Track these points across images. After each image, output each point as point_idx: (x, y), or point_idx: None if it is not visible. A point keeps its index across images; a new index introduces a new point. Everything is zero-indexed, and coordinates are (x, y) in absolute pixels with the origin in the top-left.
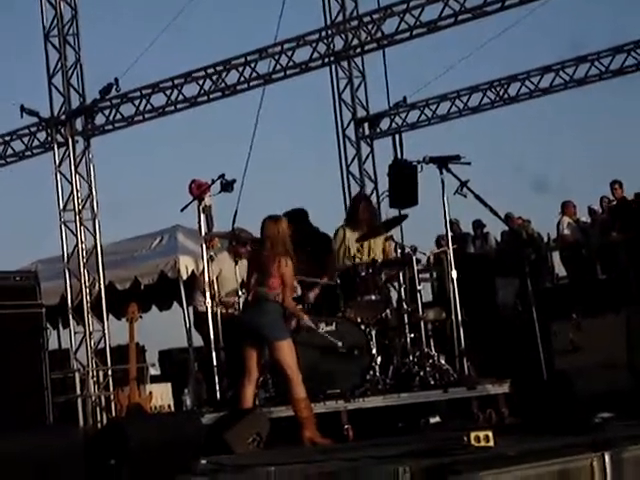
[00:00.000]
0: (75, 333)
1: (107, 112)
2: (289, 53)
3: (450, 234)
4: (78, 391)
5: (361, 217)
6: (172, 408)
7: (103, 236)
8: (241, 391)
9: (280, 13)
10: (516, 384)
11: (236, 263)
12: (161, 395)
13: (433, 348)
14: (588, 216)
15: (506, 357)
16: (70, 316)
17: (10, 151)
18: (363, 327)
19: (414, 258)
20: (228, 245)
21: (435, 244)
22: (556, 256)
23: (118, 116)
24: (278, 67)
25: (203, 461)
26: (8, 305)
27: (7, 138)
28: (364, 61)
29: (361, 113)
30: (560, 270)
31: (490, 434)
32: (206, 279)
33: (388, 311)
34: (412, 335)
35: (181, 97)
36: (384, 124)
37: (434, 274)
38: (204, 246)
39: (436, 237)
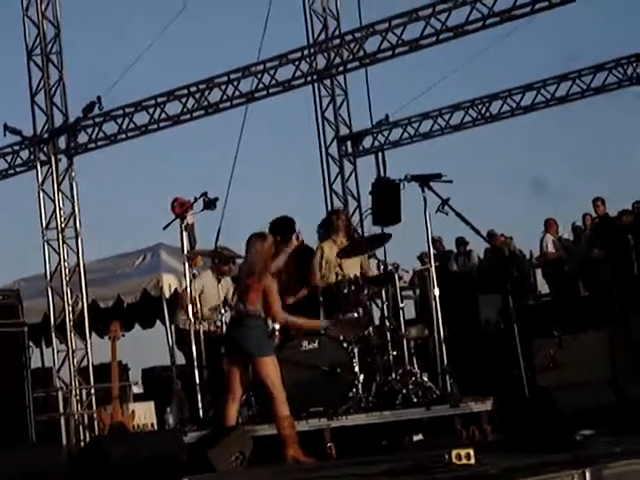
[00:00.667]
0: (58, 351)
1: (90, 130)
2: (272, 71)
3: (433, 251)
4: (61, 409)
5: (340, 228)
6: (155, 426)
7: (86, 254)
8: (224, 409)
9: (263, 32)
10: (498, 401)
11: (219, 281)
12: (144, 413)
13: (416, 365)
14: (571, 233)
15: (488, 374)
16: (53, 334)
17: None
18: (345, 345)
19: (396, 275)
20: (211, 263)
21: (418, 261)
22: (539, 273)
23: (101, 134)
24: (261, 85)
25: (185, 479)
26: None
27: None
28: (347, 79)
29: (344, 131)
30: (543, 287)
31: (471, 452)
32: (188, 297)
33: (371, 328)
34: (395, 353)
35: (164, 115)
36: (367, 142)
37: (417, 291)
38: (187, 264)
39: (419, 254)
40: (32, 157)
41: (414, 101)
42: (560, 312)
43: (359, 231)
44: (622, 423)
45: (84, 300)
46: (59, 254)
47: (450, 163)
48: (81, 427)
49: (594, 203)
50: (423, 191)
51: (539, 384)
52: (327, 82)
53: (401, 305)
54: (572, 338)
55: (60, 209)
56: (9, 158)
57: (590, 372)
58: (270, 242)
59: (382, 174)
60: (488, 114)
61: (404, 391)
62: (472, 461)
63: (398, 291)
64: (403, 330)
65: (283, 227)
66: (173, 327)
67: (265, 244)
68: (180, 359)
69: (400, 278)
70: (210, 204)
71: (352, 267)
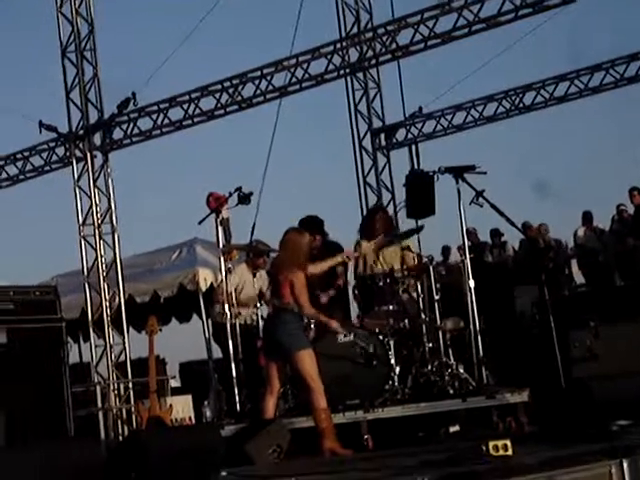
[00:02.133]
0: (96, 346)
1: (125, 126)
2: (304, 65)
3: (468, 243)
4: (99, 404)
5: (378, 228)
6: (193, 420)
7: (122, 250)
8: (262, 402)
9: (295, 26)
10: (535, 392)
11: (254, 275)
12: (182, 407)
13: (452, 357)
14: (609, 223)
15: (524, 365)
16: (91, 330)
17: (29, 166)
18: (381, 337)
19: (431, 267)
20: (246, 257)
21: (441, 254)
22: (574, 264)
23: (136, 130)
24: (294, 80)
25: (224, 473)
26: (29, 319)
27: (26, 154)
28: (379, 72)
29: (377, 124)
30: (579, 278)
31: (508, 443)
32: (224, 291)
33: (406, 321)
34: (430, 345)
35: (198, 110)
36: (400, 135)
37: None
38: (222, 258)
39: (442, 247)
40: (68, 154)
41: (447, 93)
42: (596, 303)
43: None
44: None
45: (121, 295)
46: (96, 250)
47: (484, 154)
48: (119, 421)
49: (630, 193)
50: (457, 183)
51: (575, 375)
52: (360, 75)
53: (436, 297)
54: (608, 329)
55: (96, 205)
56: (45, 155)
57: (626, 363)
58: (307, 238)
59: (416, 166)
60: (522, 105)
61: (440, 383)
62: (509, 452)
63: (433, 283)
64: (438, 322)
65: (310, 226)
66: (210, 321)
67: (301, 239)
68: (217, 353)
69: (435, 270)
70: (245, 199)
71: (393, 259)
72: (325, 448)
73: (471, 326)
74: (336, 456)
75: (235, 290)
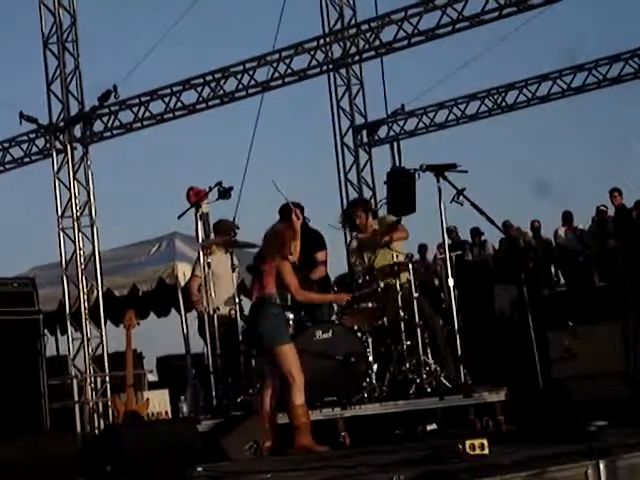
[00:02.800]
0: (73, 339)
1: (106, 119)
2: (287, 61)
3: (448, 241)
4: (76, 397)
5: (362, 222)
6: (169, 415)
7: (101, 243)
8: (259, 398)
9: (279, 21)
10: (512, 392)
11: (233, 270)
12: (158, 402)
13: (430, 356)
14: (588, 224)
15: (503, 365)
16: (68, 322)
17: (9, 157)
18: (360, 334)
19: (409, 265)
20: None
21: (417, 252)
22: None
23: (116, 123)
24: (276, 75)
25: (199, 468)
26: (5, 311)
27: (6, 145)
28: (362, 69)
29: (359, 121)
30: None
31: (485, 442)
32: (204, 284)
33: (385, 318)
34: (409, 342)
35: (179, 104)
36: (382, 132)
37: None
38: (201, 253)
39: (419, 245)
40: (48, 145)
41: (430, 91)
42: (575, 303)
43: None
44: (636, 414)
45: (99, 288)
46: (74, 242)
47: (464, 153)
48: (95, 415)
49: (611, 194)
50: (438, 181)
51: (553, 375)
52: (343, 71)
53: (415, 295)
54: (587, 329)
55: (75, 197)
56: (25, 146)
57: (604, 363)
58: (288, 231)
59: (397, 164)
60: (504, 104)
61: (418, 381)
62: (486, 451)
63: (412, 280)
64: (417, 320)
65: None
66: (190, 314)
67: (281, 231)
68: (195, 348)
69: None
70: (225, 193)
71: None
72: (300, 445)
73: (450, 324)
74: (311, 453)
75: (213, 282)
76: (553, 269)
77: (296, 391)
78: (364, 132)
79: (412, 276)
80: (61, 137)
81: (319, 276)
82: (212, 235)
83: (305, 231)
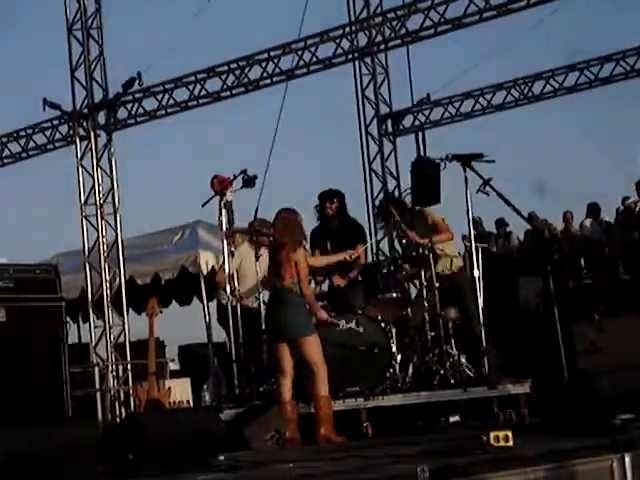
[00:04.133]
0: (95, 327)
1: (129, 106)
2: (312, 49)
3: (473, 232)
4: (97, 385)
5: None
6: (191, 404)
7: (124, 230)
8: (277, 387)
9: (304, 8)
10: (537, 384)
11: (257, 259)
12: (180, 390)
13: (454, 347)
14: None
15: (527, 357)
16: (90, 310)
17: (32, 144)
18: (383, 325)
19: (431, 256)
20: (249, 239)
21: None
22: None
23: (140, 110)
24: (301, 63)
25: (221, 457)
26: (28, 298)
27: (29, 131)
28: (387, 57)
29: (384, 110)
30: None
31: (510, 434)
32: (227, 274)
33: (409, 309)
34: (433, 333)
35: (204, 92)
36: (407, 121)
37: None
38: (225, 241)
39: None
40: (71, 132)
41: (455, 80)
42: (601, 295)
43: None
44: None
45: (122, 276)
46: (97, 230)
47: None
48: (117, 403)
49: (637, 185)
50: (465, 171)
51: (579, 367)
52: (368, 60)
53: (436, 285)
54: (613, 322)
55: (99, 185)
56: (48, 133)
57: (630, 356)
58: (298, 217)
59: (422, 154)
60: (530, 94)
61: (441, 372)
62: (510, 443)
63: (434, 272)
64: (438, 310)
65: (331, 194)
66: (212, 303)
67: (294, 217)
68: (217, 336)
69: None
70: (249, 181)
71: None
72: (320, 435)
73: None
74: (330, 443)
75: (237, 272)
76: (582, 262)
77: (320, 382)
78: (389, 121)
79: (434, 267)
80: (84, 124)
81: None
82: (236, 224)
83: (346, 221)
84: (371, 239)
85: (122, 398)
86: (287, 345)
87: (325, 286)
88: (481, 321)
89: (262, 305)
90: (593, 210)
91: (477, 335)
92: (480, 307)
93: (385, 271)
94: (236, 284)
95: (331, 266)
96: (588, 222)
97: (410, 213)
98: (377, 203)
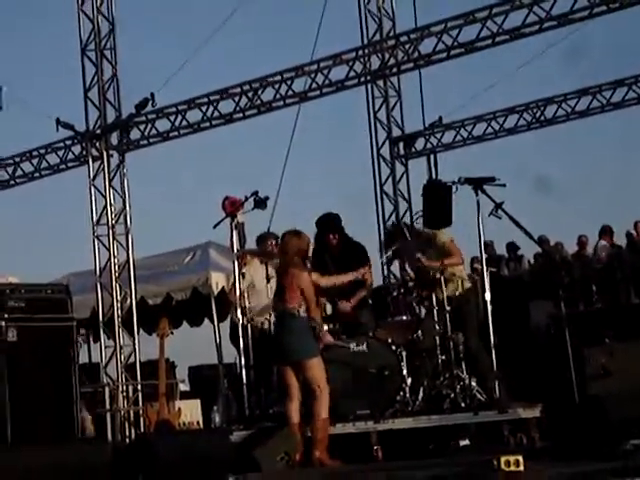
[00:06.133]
0: (105, 347)
1: (142, 127)
2: (325, 71)
3: (484, 256)
4: (107, 406)
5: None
6: (201, 425)
7: (136, 251)
8: (285, 410)
9: (317, 31)
10: (548, 408)
11: (268, 281)
12: (190, 411)
13: (464, 370)
14: (625, 240)
15: (538, 381)
16: (101, 330)
17: (45, 164)
18: (394, 348)
19: (442, 279)
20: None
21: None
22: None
23: (153, 131)
24: (314, 85)
25: (231, 479)
26: (39, 318)
27: (42, 151)
28: (400, 80)
29: (396, 132)
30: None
31: (520, 459)
32: (237, 295)
33: (419, 332)
34: (443, 357)
35: (217, 113)
36: (419, 144)
37: None
38: (236, 263)
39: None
40: (84, 152)
41: (468, 103)
42: (612, 320)
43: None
44: None
45: (133, 296)
46: (109, 250)
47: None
48: (127, 423)
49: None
50: (477, 194)
51: (589, 392)
52: (380, 83)
53: (447, 308)
54: (624, 346)
55: (111, 205)
56: (61, 153)
57: None
58: (304, 240)
59: (434, 176)
60: (543, 118)
61: (452, 396)
62: (521, 468)
63: (444, 295)
64: (450, 334)
65: (326, 226)
66: (229, 322)
67: (297, 241)
68: (227, 357)
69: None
70: (261, 203)
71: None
72: (315, 458)
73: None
74: (324, 467)
75: (248, 291)
76: (594, 287)
77: (322, 405)
78: (401, 144)
79: (444, 290)
80: (97, 144)
81: (365, 291)
82: (247, 245)
83: (347, 243)
84: (381, 257)
85: (132, 418)
86: (292, 368)
87: (329, 308)
88: (491, 344)
89: (272, 326)
90: (606, 232)
91: (476, 357)
92: (490, 331)
93: (395, 294)
94: (246, 303)
95: (334, 290)
96: (601, 245)
97: (420, 236)
98: (386, 228)
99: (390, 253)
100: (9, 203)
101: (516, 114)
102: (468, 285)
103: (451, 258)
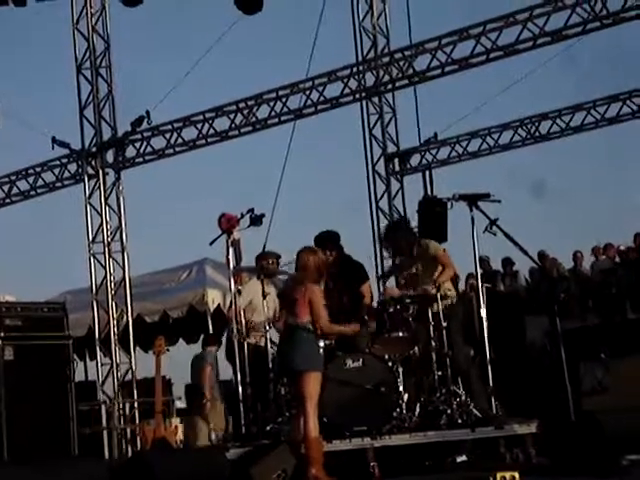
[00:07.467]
0: (102, 365)
1: (138, 145)
2: (320, 88)
3: (480, 271)
4: (104, 423)
5: (402, 247)
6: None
7: (132, 268)
8: (293, 425)
9: (312, 48)
10: (544, 424)
11: (264, 297)
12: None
13: (461, 386)
14: (618, 256)
15: (534, 397)
16: (97, 348)
17: (41, 182)
18: (390, 364)
19: (438, 295)
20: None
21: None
22: None
23: (149, 149)
24: (309, 102)
25: None
26: (36, 336)
27: (38, 169)
28: (395, 97)
29: (391, 149)
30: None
31: (516, 475)
32: (234, 312)
33: (416, 348)
34: (439, 373)
35: (212, 131)
36: (414, 160)
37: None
38: (232, 280)
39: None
40: (80, 170)
41: (463, 120)
42: (607, 335)
43: None
44: None
45: (129, 314)
46: (105, 268)
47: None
48: (123, 441)
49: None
50: (471, 210)
51: (585, 407)
52: (375, 100)
53: (444, 324)
54: (620, 362)
55: (107, 223)
56: (57, 171)
57: (637, 396)
58: (320, 257)
59: (429, 193)
60: (537, 134)
61: (448, 412)
62: None
63: (441, 310)
64: (446, 350)
65: (324, 242)
66: (225, 339)
67: (314, 258)
68: (224, 374)
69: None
70: (257, 220)
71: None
72: (311, 476)
73: (481, 355)
74: None
75: (247, 307)
76: (591, 303)
77: (310, 421)
78: (396, 160)
79: (440, 306)
80: (93, 162)
81: (366, 308)
82: (243, 262)
83: (345, 260)
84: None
85: (129, 436)
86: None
87: None
88: (488, 360)
89: (269, 343)
90: (605, 247)
91: (463, 369)
92: (486, 346)
93: (391, 310)
94: (243, 320)
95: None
96: (599, 260)
97: (419, 245)
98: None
99: (388, 269)
100: (5, 221)
101: (511, 130)
102: (454, 297)
103: (443, 275)
